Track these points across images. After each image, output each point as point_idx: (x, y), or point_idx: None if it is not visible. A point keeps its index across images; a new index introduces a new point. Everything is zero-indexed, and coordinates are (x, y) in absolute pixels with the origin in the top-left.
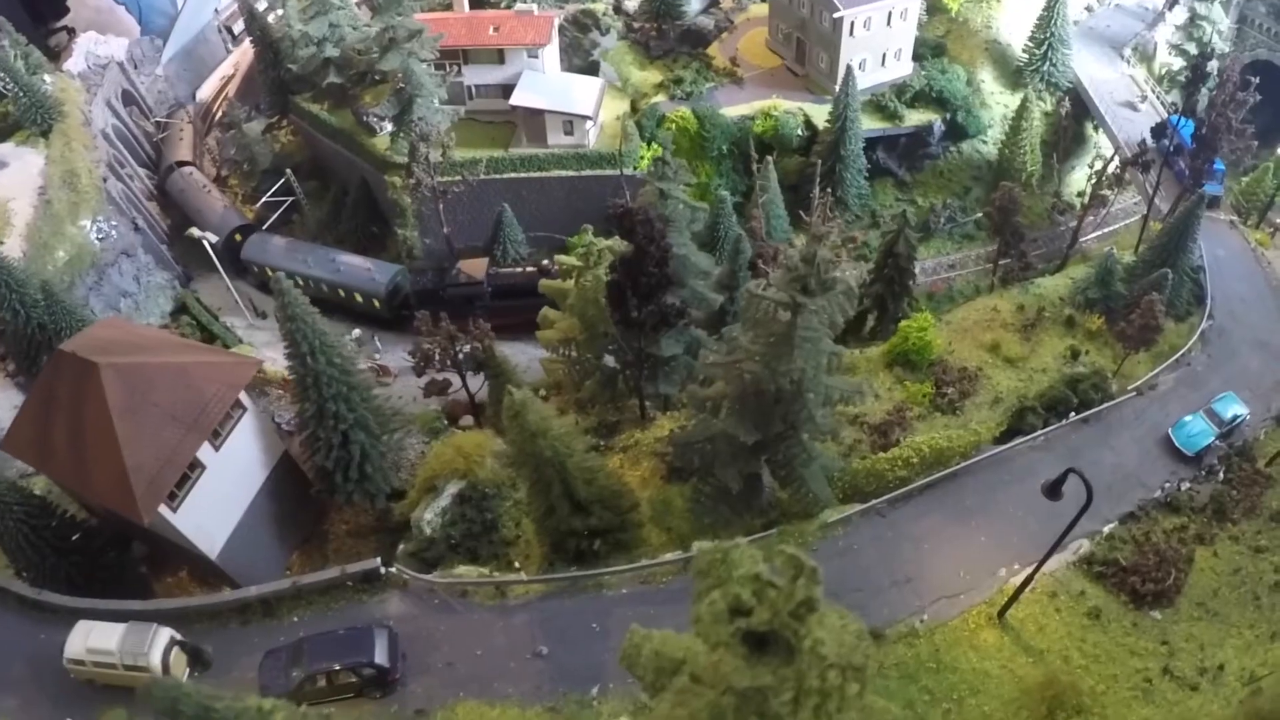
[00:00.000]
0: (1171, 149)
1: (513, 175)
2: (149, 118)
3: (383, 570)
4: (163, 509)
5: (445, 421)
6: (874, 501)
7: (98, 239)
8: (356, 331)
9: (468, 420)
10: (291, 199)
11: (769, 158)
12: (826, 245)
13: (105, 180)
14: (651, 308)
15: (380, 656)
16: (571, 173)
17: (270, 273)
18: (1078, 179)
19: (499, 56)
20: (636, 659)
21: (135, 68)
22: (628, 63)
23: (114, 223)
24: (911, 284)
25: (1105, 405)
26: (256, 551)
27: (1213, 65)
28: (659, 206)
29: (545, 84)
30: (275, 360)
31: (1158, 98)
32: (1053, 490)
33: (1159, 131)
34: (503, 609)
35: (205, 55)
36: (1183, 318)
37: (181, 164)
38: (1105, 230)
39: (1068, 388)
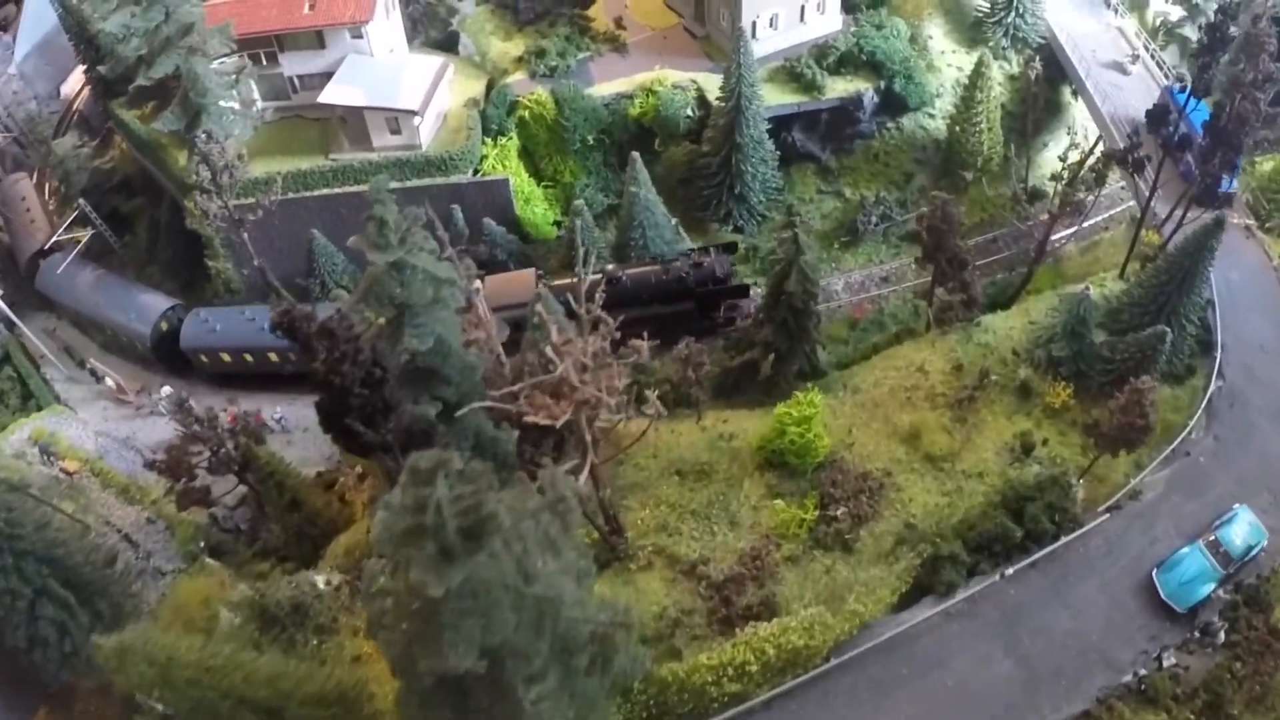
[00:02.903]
0: (1175, 141)
1: (326, 191)
2: None
3: None
4: None
5: (202, 544)
6: None
7: None
8: (167, 389)
9: None
10: (91, 232)
11: (635, 155)
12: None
13: None
14: (390, 428)
15: None
16: (396, 184)
17: (226, 359)
18: (1050, 158)
19: (319, 40)
20: None
21: None
22: (488, 32)
23: None
24: (814, 327)
25: (1064, 540)
26: None
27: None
28: (387, 284)
29: (368, 71)
30: (87, 424)
31: (1152, 57)
32: None
33: (1158, 117)
34: None
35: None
36: (1181, 378)
37: (44, 254)
38: (1084, 224)
39: (1009, 513)
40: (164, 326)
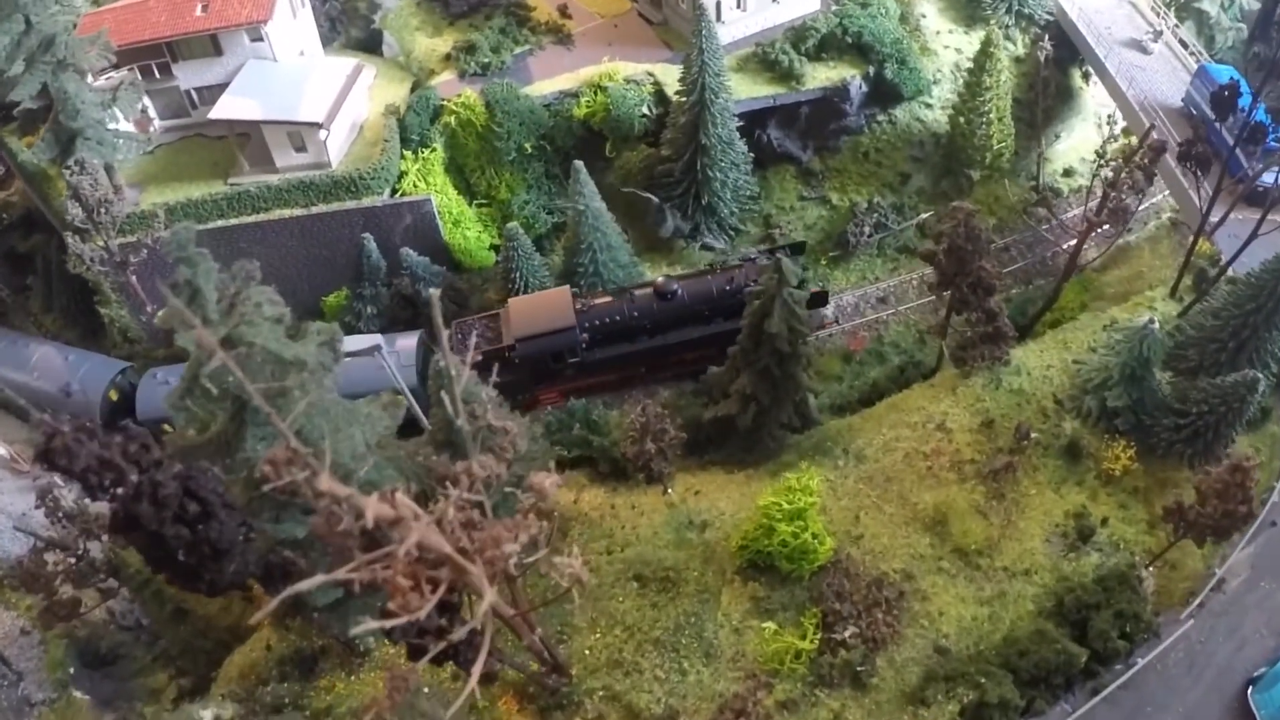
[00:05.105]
0: (1245, 135)
1: (222, 223)
2: None
3: None
4: None
5: (72, 670)
6: None
7: None
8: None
9: None
10: None
11: (578, 163)
12: None
13: None
14: (235, 567)
15: None
16: (300, 211)
17: None
18: (1062, 151)
19: (215, 45)
20: None
21: None
22: (413, 28)
23: None
24: (804, 371)
25: (1140, 663)
26: None
27: None
28: (215, 373)
29: (269, 80)
30: None
31: (1174, 34)
32: None
33: (1224, 102)
34: None
35: None
36: (1254, 422)
37: None
38: (1105, 228)
39: (1069, 625)
40: (114, 396)
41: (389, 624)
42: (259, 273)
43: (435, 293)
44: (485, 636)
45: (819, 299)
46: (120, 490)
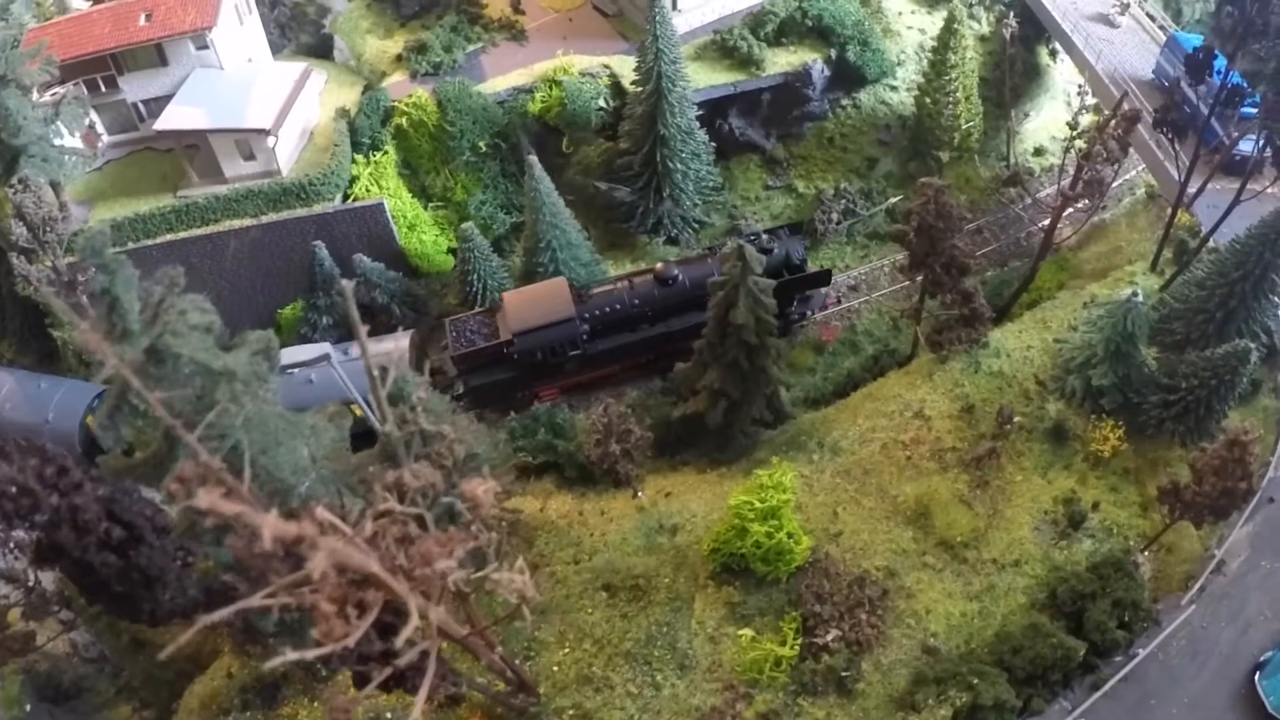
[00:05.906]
0: (1221, 99)
1: (171, 237)
2: None
3: None
4: None
5: (29, 708)
6: None
7: None
8: None
9: None
10: None
11: (532, 158)
12: None
13: None
14: (170, 595)
15: None
16: (250, 221)
17: None
18: (1031, 130)
19: (160, 55)
20: None
21: None
22: (363, 31)
23: None
24: (774, 364)
25: (1142, 654)
26: None
27: None
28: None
29: (215, 88)
30: None
31: (1141, 7)
32: None
33: (1199, 65)
34: None
35: None
36: (1245, 396)
37: None
38: (1080, 204)
39: (1064, 618)
40: (90, 423)
41: (312, 654)
42: (184, 279)
43: (349, 284)
44: (430, 661)
45: (822, 278)
46: (37, 517)
